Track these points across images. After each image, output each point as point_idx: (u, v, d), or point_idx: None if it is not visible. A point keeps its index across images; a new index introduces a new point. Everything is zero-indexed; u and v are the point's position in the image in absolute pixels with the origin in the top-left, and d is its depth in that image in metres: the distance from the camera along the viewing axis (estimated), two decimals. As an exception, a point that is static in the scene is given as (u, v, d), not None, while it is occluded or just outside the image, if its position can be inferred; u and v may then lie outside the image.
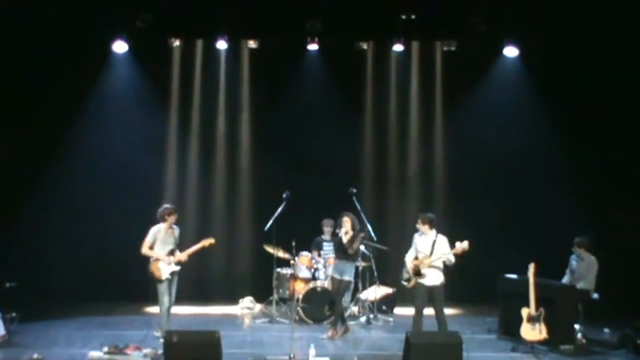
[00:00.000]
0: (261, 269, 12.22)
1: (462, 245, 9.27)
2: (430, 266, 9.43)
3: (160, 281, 9.78)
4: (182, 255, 9.94)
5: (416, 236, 9.68)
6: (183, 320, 11.05)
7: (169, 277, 9.82)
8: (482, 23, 11.93)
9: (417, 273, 9.50)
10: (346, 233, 10.29)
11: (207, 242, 10.11)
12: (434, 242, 9.46)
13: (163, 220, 9.91)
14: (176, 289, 9.97)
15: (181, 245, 10.05)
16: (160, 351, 8.78)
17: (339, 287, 10.41)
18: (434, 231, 9.54)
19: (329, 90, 12.99)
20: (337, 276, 10.43)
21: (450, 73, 13.06)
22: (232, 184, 13.37)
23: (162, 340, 9.18)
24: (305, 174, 12.62)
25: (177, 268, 9.91)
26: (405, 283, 9.71)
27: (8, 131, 12.05)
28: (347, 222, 10.34)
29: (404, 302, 11.72)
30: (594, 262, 10.47)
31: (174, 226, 10.04)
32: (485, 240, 12.37)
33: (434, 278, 9.47)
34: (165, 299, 9.79)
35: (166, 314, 9.85)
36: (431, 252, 9.42)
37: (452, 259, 9.43)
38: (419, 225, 9.60)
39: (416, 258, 9.55)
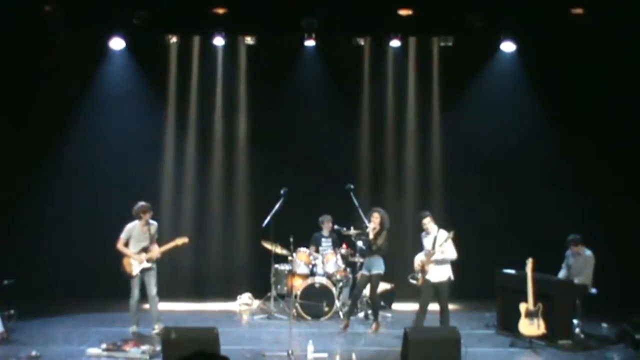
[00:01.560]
0: (259, 265, 12.20)
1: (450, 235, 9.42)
2: (436, 262, 9.48)
3: (131, 277, 9.94)
4: (154, 253, 10.03)
5: (422, 236, 9.79)
6: (181, 317, 11.05)
7: (139, 273, 9.95)
8: (479, 18, 11.91)
9: (424, 270, 9.59)
10: (374, 229, 10.21)
11: (181, 240, 10.21)
12: (436, 237, 9.55)
13: (138, 217, 10.02)
14: (156, 283, 10.06)
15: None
16: (158, 347, 8.78)
17: (370, 282, 10.29)
18: (436, 227, 9.64)
19: (326, 86, 12.96)
20: (366, 272, 10.36)
21: (447, 68, 13.03)
22: (229, 180, 13.33)
23: (154, 333, 9.31)
24: (303, 170, 12.59)
25: (148, 265, 10.01)
26: (413, 282, 9.76)
27: (4, 128, 12.02)
28: (376, 218, 10.26)
29: (402, 298, 11.75)
30: (591, 257, 10.47)
31: (151, 221, 10.14)
32: (483, 236, 12.41)
33: (439, 274, 9.53)
34: (135, 293, 9.97)
35: (135, 307, 10.03)
36: (433, 247, 9.51)
37: (452, 256, 9.46)
38: (429, 223, 9.63)
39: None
